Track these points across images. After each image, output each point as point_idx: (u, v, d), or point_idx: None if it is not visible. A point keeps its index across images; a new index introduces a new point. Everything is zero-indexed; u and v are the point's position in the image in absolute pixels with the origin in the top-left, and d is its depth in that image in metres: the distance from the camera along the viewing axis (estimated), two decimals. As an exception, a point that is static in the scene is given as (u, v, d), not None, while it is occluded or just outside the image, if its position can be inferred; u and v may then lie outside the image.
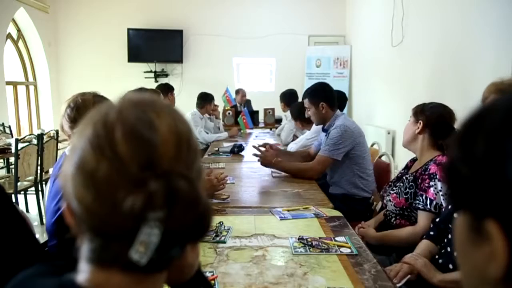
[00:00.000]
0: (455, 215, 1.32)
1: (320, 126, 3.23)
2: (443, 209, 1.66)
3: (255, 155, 2.70)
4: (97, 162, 0.48)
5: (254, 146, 2.76)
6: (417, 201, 1.77)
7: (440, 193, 1.69)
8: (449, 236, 1.48)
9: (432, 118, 1.81)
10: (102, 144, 0.49)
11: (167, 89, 3.98)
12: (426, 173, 1.75)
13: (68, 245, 0.53)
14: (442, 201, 1.69)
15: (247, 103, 6.33)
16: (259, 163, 2.66)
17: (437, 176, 1.71)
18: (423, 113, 1.84)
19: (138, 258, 0.47)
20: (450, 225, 1.49)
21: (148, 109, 0.52)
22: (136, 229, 0.47)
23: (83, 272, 0.51)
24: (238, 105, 6.16)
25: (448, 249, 1.46)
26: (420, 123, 1.83)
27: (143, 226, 0.47)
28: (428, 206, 1.71)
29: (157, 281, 0.54)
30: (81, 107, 1.48)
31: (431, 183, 1.72)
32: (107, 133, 0.49)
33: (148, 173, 0.48)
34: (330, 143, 2.55)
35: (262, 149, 2.71)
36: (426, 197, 1.73)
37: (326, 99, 2.67)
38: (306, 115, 2.82)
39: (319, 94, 2.70)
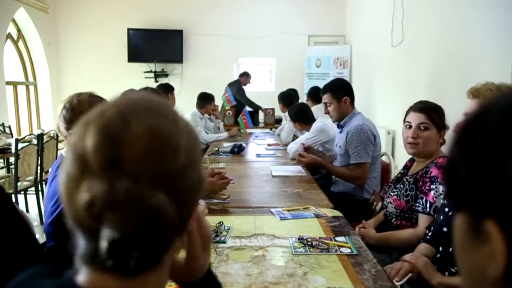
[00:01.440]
0: (444, 228, 1.33)
1: (320, 126, 3.24)
2: (433, 221, 1.66)
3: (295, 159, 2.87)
4: (71, 162, 0.49)
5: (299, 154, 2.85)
6: (417, 204, 1.76)
7: (441, 196, 1.69)
8: (440, 248, 1.49)
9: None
10: (77, 144, 0.49)
11: (167, 89, 3.98)
12: (427, 175, 1.75)
13: (67, 246, 0.53)
14: (441, 203, 1.69)
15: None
16: (259, 163, 2.67)
17: (438, 180, 1.70)
18: (443, 122, 1.80)
19: (103, 259, 0.47)
20: (442, 239, 1.50)
21: (128, 109, 0.51)
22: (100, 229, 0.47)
23: (82, 273, 0.51)
24: (242, 86, 6.16)
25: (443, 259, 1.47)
26: (443, 133, 1.81)
27: (102, 227, 0.47)
28: (428, 209, 1.71)
29: (149, 281, 0.53)
30: (76, 108, 1.48)
31: (432, 186, 1.71)
32: (83, 133, 0.49)
33: (111, 172, 0.47)
34: (360, 148, 2.54)
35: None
36: (426, 200, 1.72)
37: (349, 94, 2.68)
38: (324, 111, 2.81)
39: (343, 89, 2.70)
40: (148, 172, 0.48)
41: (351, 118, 2.66)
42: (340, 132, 2.73)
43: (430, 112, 1.78)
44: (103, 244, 0.47)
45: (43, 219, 3.86)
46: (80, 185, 0.48)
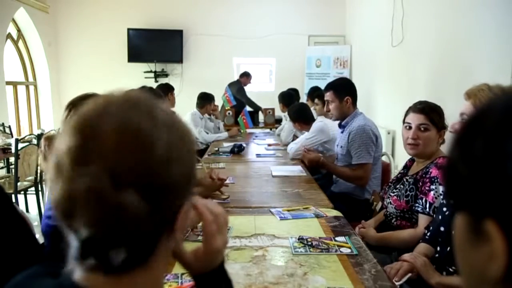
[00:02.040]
0: (441, 228, 1.34)
1: (320, 126, 3.24)
2: (431, 221, 1.66)
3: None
4: (51, 162, 0.50)
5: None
6: (417, 204, 1.77)
7: (441, 197, 1.69)
8: (438, 248, 1.49)
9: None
10: (56, 145, 0.50)
11: (167, 89, 3.97)
12: (427, 176, 1.75)
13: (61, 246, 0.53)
14: (440, 203, 1.69)
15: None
16: (259, 163, 2.67)
17: (438, 180, 1.70)
18: (441, 122, 1.79)
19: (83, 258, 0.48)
20: (440, 239, 1.50)
21: (101, 106, 0.51)
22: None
23: (76, 272, 0.52)
24: (243, 86, 6.15)
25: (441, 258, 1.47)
26: (443, 133, 1.81)
27: (73, 226, 0.48)
28: (427, 210, 1.71)
29: (137, 281, 0.53)
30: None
31: (432, 186, 1.71)
32: (61, 134, 0.51)
33: (80, 170, 0.47)
34: (362, 148, 2.55)
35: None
36: (425, 201, 1.72)
37: (352, 94, 2.68)
38: (325, 108, 2.82)
39: (346, 88, 2.70)
40: (116, 169, 0.47)
41: (353, 118, 2.66)
42: (342, 132, 2.73)
43: (430, 112, 1.77)
44: (74, 242, 0.48)
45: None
46: (56, 186, 0.48)
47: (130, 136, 0.48)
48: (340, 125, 2.76)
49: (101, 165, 0.47)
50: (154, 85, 5.75)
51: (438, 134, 1.79)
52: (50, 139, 1.39)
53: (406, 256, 1.50)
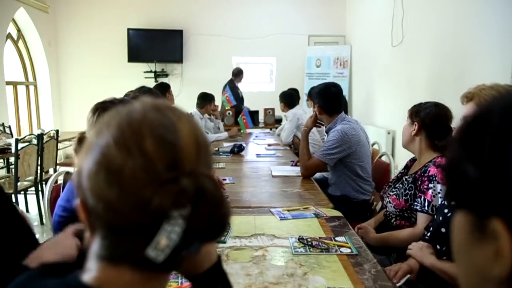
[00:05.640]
0: (442, 229, 1.34)
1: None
2: (431, 221, 1.66)
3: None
4: (123, 160, 0.49)
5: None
6: (415, 203, 1.77)
7: (439, 195, 1.69)
8: (437, 246, 1.50)
9: (427, 120, 1.81)
10: (129, 143, 0.49)
11: (163, 88, 3.93)
12: (426, 174, 1.75)
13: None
14: (440, 204, 1.69)
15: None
16: (259, 163, 2.66)
17: (436, 178, 1.71)
18: (417, 115, 1.83)
19: (154, 255, 0.47)
20: (440, 240, 1.51)
21: (169, 113, 0.53)
22: (155, 226, 0.47)
23: (91, 270, 0.51)
24: (236, 84, 6.07)
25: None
26: (415, 125, 1.83)
27: (164, 224, 0.47)
28: (426, 208, 1.71)
29: (165, 279, 0.55)
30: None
31: (430, 185, 1.72)
32: (133, 133, 0.50)
33: (176, 173, 0.49)
34: (325, 146, 2.56)
35: None
36: (424, 199, 1.73)
37: (321, 103, 2.66)
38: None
39: (316, 96, 2.70)
40: (200, 169, 0.52)
41: (335, 124, 2.63)
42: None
43: (411, 108, 1.92)
44: (162, 240, 0.47)
45: (43, 219, 3.87)
46: (145, 185, 0.48)
47: (201, 144, 0.54)
48: (327, 132, 2.75)
49: (191, 168, 0.51)
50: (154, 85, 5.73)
51: (411, 125, 1.87)
52: (82, 136, 1.38)
53: (412, 247, 1.52)
